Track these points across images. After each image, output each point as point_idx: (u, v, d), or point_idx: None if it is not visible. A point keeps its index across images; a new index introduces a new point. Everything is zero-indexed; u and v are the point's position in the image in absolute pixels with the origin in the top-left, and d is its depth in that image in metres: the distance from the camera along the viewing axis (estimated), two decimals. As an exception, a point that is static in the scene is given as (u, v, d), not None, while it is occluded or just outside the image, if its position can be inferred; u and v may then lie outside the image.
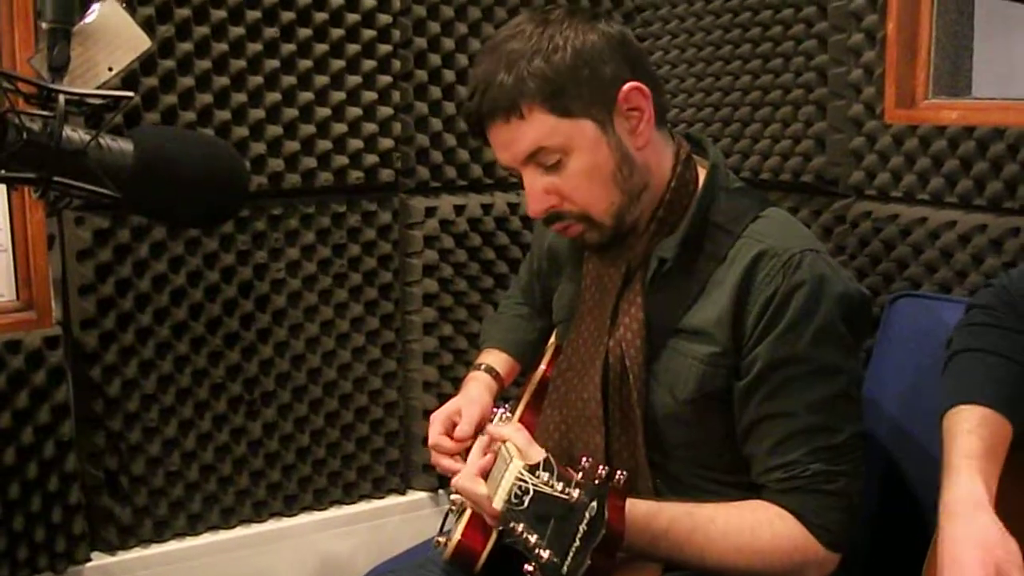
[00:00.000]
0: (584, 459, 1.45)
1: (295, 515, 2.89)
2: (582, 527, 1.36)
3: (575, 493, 1.39)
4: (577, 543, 1.35)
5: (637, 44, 1.79)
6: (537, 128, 1.70)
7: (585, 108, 1.69)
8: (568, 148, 1.70)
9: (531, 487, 1.44)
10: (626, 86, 1.71)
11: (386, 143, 2.80)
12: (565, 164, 1.72)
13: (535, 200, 1.77)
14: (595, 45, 1.70)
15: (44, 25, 1.41)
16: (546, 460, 1.46)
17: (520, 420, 2.00)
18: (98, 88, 1.46)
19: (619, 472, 1.44)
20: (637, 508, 1.59)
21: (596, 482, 1.40)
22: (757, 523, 1.69)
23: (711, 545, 1.67)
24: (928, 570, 1.67)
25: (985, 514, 1.42)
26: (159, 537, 2.70)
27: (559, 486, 1.42)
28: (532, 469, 1.46)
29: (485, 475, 1.70)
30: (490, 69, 1.70)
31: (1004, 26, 2.65)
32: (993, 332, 1.65)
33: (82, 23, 1.45)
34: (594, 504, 1.37)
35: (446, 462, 1.89)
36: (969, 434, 1.53)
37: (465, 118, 1.80)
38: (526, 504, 1.44)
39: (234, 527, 2.81)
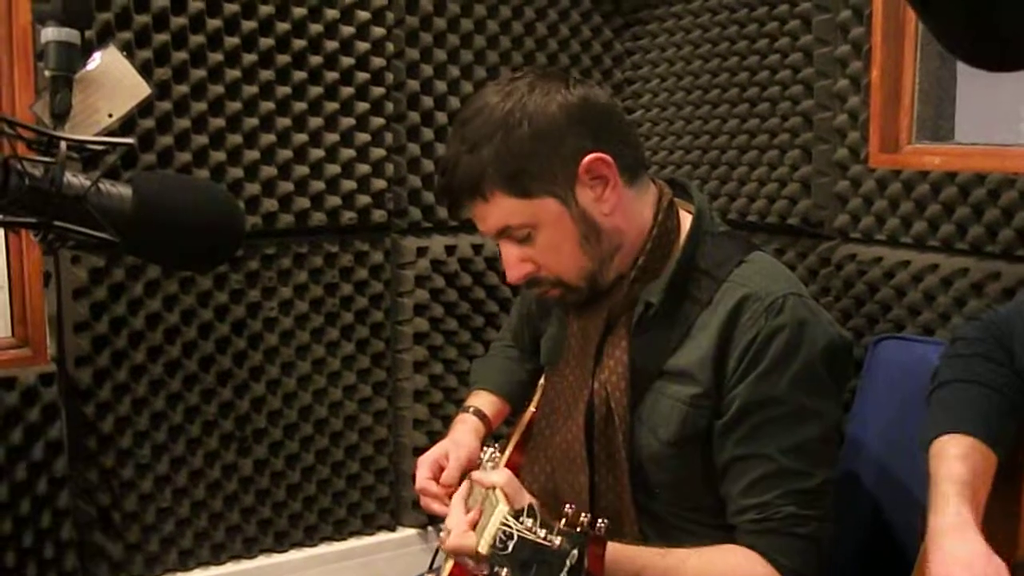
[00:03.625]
0: (568, 505, 1.48)
1: (285, 551, 2.90)
2: (563, 574, 1.39)
3: (557, 540, 1.42)
4: None
5: (602, 105, 1.78)
6: (501, 209, 1.74)
7: (545, 186, 1.72)
8: (534, 224, 1.75)
9: (515, 532, 1.47)
10: (587, 158, 1.72)
11: (379, 184, 2.84)
12: (534, 237, 1.76)
13: (512, 269, 1.82)
14: (553, 121, 1.71)
15: (47, 73, 1.44)
16: (530, 506, 1.50)
17: (508, 460, 2.02)
18: (98, 134, 1.49)
19: (600, 520, 1.47)
20: (615, 551, 1.61)
21: (578, 529, 1.44)
22: (728, 567, 1.71)
23: None
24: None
25: (971, 534, 1.45)
26: (150, 573, 2.71)
27: (542, 532, 1.45)
28: (517, 515, 1.49)
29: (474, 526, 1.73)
30: (454, 151, 1.75)
31: (986, 73, 2.68)
32: (980, 364, 1.68)
33: (84, 70, 1.48)
34: (575, 552, 1.40)
35: (436, 506, 1.91)
36: (956, 461, 1.56)
37: (436, 195, 1.82)
38: (510, 549, 1.47)
39: (224, 563, 2.82)
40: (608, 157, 1.73)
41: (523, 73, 1.78)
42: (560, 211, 1.74)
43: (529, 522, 1.47)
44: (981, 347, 1.70)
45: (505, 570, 1.45)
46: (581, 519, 1.45)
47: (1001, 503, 1.60)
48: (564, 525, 1.45)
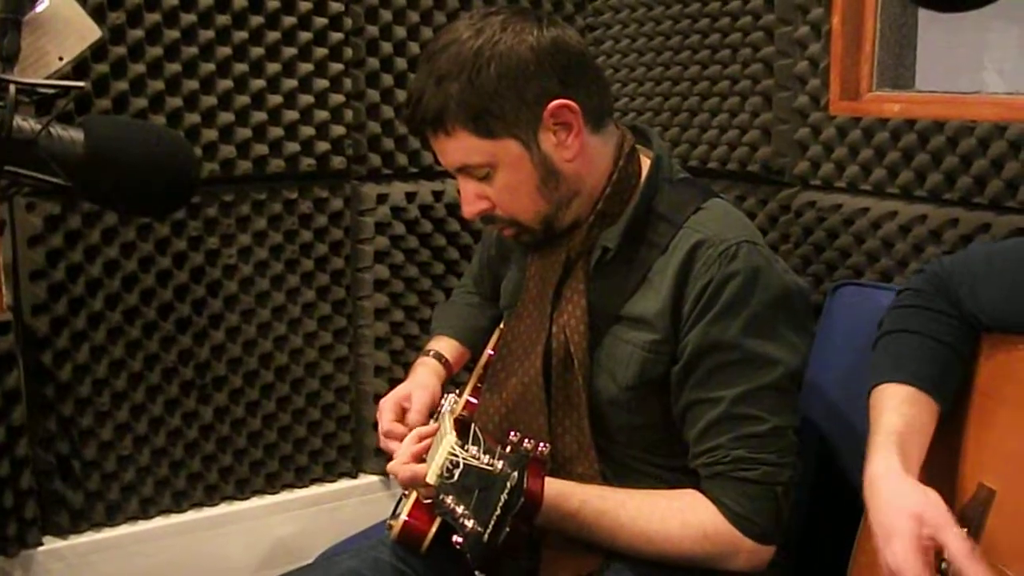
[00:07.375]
0: (512, 433, 1.52)
1: (247, 499, 2.91)
2: (503, 496, 1.44)
3: (499, 464, 1.48)
4: (498, 511, 1.44)
5: (573, 49, 1.76)
6: (462, 145, 1.74)
7: (508, 128, 1.72)
8: (493, 164, 1.75)
9: (461, 460, 1.52)
10: (552, 104, 1.72)
11: (338, 130, 2.82)
12: (493, 176, 1.77)
13: (468, 204, 1.83)
14: (522, 63, 1.70)
15: (-6, 16, 1.41)
16: (475, 434, 1.55)
17: (466, 405, 2.03)
18: (49, 77, 1.47)
19: (541, 444, 1.50)
20: (550, 487, 1.61)
21: (521, 453, 1.49)
22: (670, 511, 1.73)
23: (620, 530, 1.72)
24: (859, 547, 1.72)
25: (902, 480, 1.47)
26: (111, 521, 2.71)
27: (485, 458, 1.50)
28: (463, 444, 1.53)
29: (420, 460, 1.76)
30: (422, 83, 1.74)
31: (948, 19, 2.68)
32: (923, 314, 1.69)
33: (33, 12, 1.45)
34: (515, 474, 1.45)
35: (395, 446, 1.91)
36: (892, 412, 1.58)
37: (404, 123, 1.82)
38: (456, 477, 1.52)
39: (186, 511, 2.82)
40: (574, 104, 1.73)
41: (497, 10, 1.76)
42: (521, 154, 1.74)
43: (474, 449, 1.53)
44: (925, 298, 1.71)
45: (450, 497, 1.49)
46: (524, 444, 1.50)
47: (944, 452, 1.62)
48: (508, 451, 1.50)
